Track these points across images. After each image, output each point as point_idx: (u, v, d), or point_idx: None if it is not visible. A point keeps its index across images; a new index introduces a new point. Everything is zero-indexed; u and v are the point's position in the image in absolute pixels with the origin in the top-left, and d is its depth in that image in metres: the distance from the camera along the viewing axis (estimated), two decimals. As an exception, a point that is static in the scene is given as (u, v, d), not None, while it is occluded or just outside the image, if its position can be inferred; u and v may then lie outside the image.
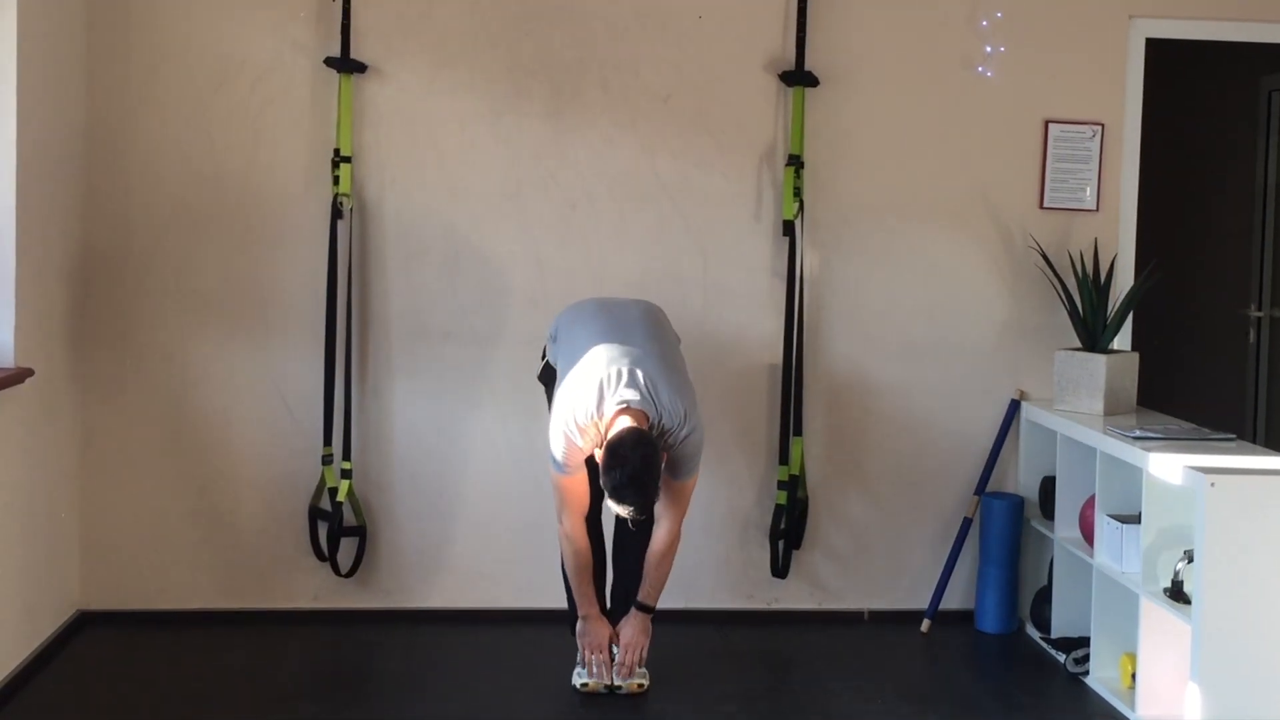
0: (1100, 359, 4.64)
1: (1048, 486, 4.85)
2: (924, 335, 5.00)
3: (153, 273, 4.73)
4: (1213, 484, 3.73)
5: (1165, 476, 3.95)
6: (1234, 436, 4.29)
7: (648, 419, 3.89)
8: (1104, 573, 4.31)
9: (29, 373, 4.13)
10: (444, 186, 4.82)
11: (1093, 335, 4.74)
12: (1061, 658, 4.57)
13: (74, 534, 4.72)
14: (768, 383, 4.94)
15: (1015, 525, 4.89)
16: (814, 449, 4.97)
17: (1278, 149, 6.28)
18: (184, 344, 4.75)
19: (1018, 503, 4.91)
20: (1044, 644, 4.75)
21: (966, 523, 4.98)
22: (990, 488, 5.00)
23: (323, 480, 4.76)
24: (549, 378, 4.27)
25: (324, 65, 4.71)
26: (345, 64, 4.70)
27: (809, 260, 4.92)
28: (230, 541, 4.82)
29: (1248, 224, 6.44)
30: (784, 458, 4.88)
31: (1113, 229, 5.03)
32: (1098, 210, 5.03)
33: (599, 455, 3.88)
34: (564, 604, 4.40)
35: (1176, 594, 3.91)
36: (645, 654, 4.22)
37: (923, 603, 4.98)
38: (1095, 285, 4.76)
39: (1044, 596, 4.84)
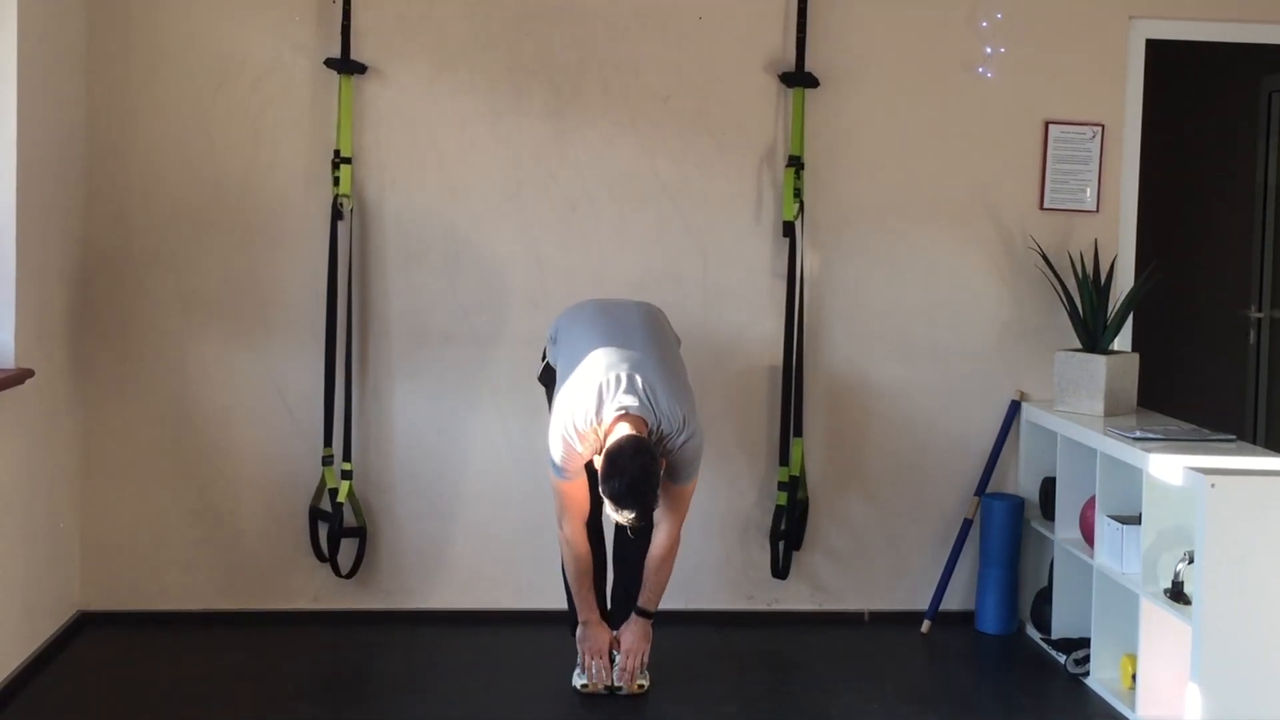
0: (1100, 360, 4.64)
1: (1048, 487, 4.85)
2: (924, 336, 5.00)
3: (153, 273, 4.73)
4: (1213, 485, 3.73)
5: (1165, 477, 3.95)
6: (1234, 437, 4.28)
7: (646, 425, 3.88)
8: (1104, 574, 4.31)
9: (29, 373, 4.13)
10: (444, 187, 4.82)
11: (1093, 336, 4.74)
12: (1062, 658, 4.57)
13: (74, 534, 4.72)
14: (768, 383, 4.94)
15: (1015, 526, 4.89)
16: (814, 450, 4.97)
17: (1278, 150, 6.28)
18: (184, 345, 4.75)
19: (1018, 504, 4.91)
20: (1044, 645, 4.75)
21: (967, 524, 4.97)
22: (990, 489, 4.99)
23: (323, 481, 4.76)
24: (549, 379, 4.27)
25: (324, 66, 4.71)
26: (345, 65, 4.70)
27: (809, 261, 4.92)
28: (230, 542, 4.82)
29: (1248, 225, 6.44)
30: (784, 459, 4.88)
31: (1113, 230, 5.03)
32: (1098, 211, 5.03)
33: (598, 462, 3.87)
34: (564, 605, 4.40)
35: (1177, 595, 3.91)
36: (647, 659, 4.22)
37: (923, 604, 4.98)
38: (1095, 286, 4.76)
39: (1044, 597, 4.84)
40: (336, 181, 4.69)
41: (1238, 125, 6.52)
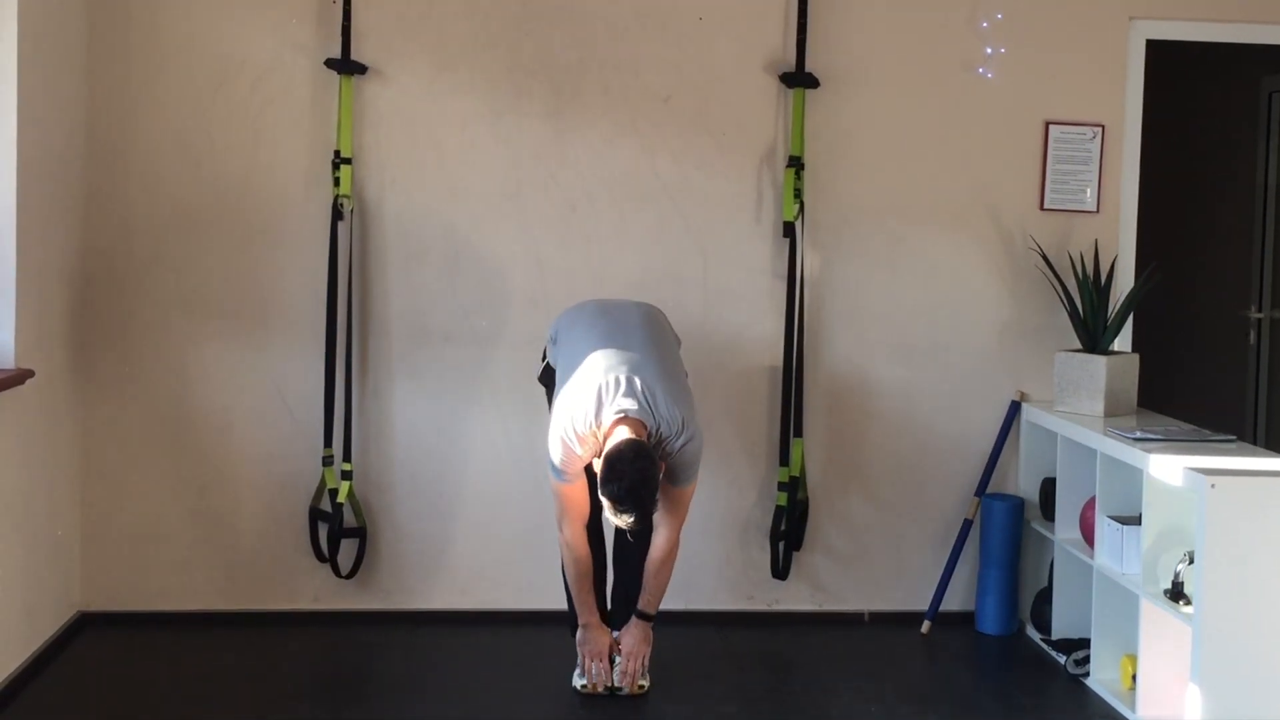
0: (1100, 360, 4.64)
1: (1048, 488, 4.84)
2: (924, 336, 5.00)
3: (153, 273, 4.73)
4: (1213, 485, 3.73)
5: (1165, 478, 3.95)
6: (1234, 438, 4.29)
7: (645, 428, 3.88)
8: (1104, 574, 4.31)
9: (29, 374, 4.13)
10: (444, 187, 4.82)
11: (1093, 337, 4.74)
12: (1062, 659, 4.57)
13: (74, 535, 4.71)
14: (768, 384, 4.94)
15: (1016, 527, 4.89)
16: (814, 450, 4.97)
17: (1278, 150, 6.28)
18: (184, 345, 4.75)
19: (1018, 504, 4.91)
20: (1044, 645, 4.75)
21: (967, 524, 4.97)
22: (991, 489, 4.99)
23: (323, 481, 4.76)
24: (549, 379, 4.27)
25: (324, 66, 4.71)
26: (345, 65, 4.70)
27: (809, 261, 4.92)
28: (230, 543, 4.82)
29: (1248, 225, 6.44)
30: (784, 459, 4.88)
31: (1113, 230, 5.03)
32: (1098, 212, 5.03)
33: (597, 465, 3.87)
34: (564, 605, 4.39)
35: (1177, 595, 3.91)
36: (648, 662, 4.22)
37: (923, 604, 4.98)
38: (1095, 287, 4.76)
39: (1044, 598, 4.84)
40: (337, 182, 4.69)
41: (1238, 125, 6.52)
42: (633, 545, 4.19)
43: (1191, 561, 3.84)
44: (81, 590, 4.76)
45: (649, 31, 4.84)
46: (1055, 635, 4.71)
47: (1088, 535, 4.51)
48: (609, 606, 4.38)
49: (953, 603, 5.00)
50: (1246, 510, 3.75)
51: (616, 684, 4.19)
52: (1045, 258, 4.91)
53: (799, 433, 4.89)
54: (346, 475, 4.74)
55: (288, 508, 4.81)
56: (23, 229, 4.13)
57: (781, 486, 4.87)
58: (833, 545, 5.01)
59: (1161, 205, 5.75)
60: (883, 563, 5.04)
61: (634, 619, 4.23)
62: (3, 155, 4.06)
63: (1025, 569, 4.96)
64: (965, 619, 4.99)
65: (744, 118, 4.89)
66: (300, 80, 4.74)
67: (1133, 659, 4.20)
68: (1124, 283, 4.97)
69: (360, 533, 4.78)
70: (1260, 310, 6.36)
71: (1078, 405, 4.69)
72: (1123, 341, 4.99)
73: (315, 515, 4.77)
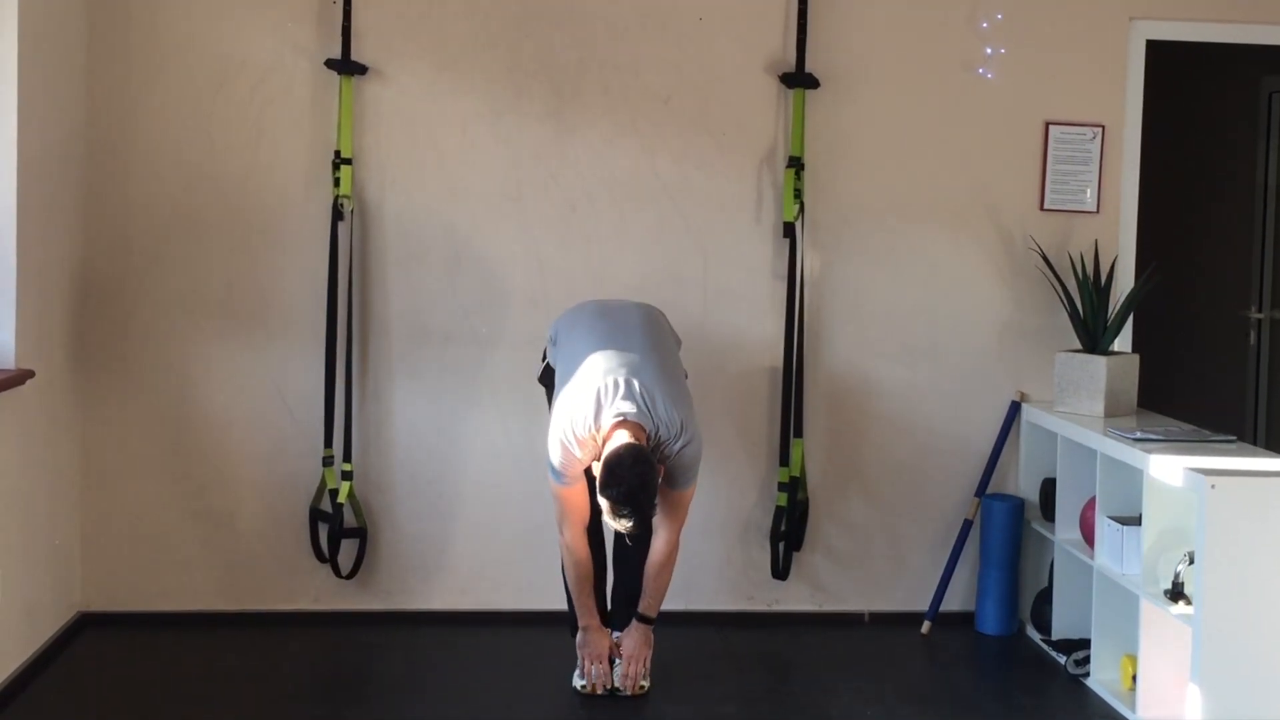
0: (1100, 361, 4.64)
1: (1048, 488, 4.84)
2: (924, 337, 5.00)
3: (153, 274, 4.73)
4: (1213, 486, 3.73)
5: (1166, 478, 3.95)
6: (1234, 438, 4.29)
7: (644, 431, 3.88)
8: (1104, 574, 4.31)
9: (29, 374, 4.13)
10: (444, 188, 4.82)
11: (1093, 337, 4.74)
12: (1062, 659, 4.57)
13: (74, 535, 4.71)
14: (768, 384, 4.94)
15: (1016, 527, 4.89)
16: (814, 451, 4.97)
17: (1278, 150, 6.28)
18: (185, 345, 4.75)
19: (1018, 504, 4.91)
20: (1044, 646, 4.75)
21: (967, 524, 4.97)
22: (991, 489, 4.99)
23: (323, 482, 4.76)
24: (549, 380, 4.26)
25: (325, 67, 4.71)
26: (346, 66, 4.70)
27: (809, 262, 4.92)
28: (231, 543, 4.82)
29: (1248, 226, 6.44)
30: (784, 459, 4.88)
31: (1113, 231, 5.03)
32: (1098, 212, 5.03)
33: (596, 468, 3.87)
34: (564, 606, 4.39)
35: (1177, 595, 3.90)
36: (649, 664, 4.22)
37: (923, 604, 4.98)
38: (1095, 287, 4.76)
39: (1044, 598, 4.84)
40: (337, 182, 4.69)
41: (1238, 125, 6.52)
42: (633, 548, 4.19)
43: (1191, 562, 3.84)
44: (81, 590, 4.76)
45: (649, 32, 4.85)
46: (1055, 635, 4.71)
47: (1088, 535, 4.51)
48: (609, 607, 4.38)
49: (953, 603, 5.00)
50: (1246, 510, 3.75)
51: (617, 684, 4.19)
52: (1045, 258, 4.91)
53: (799, 433, 4.89)
54: (347, 475, 4.74)
55: (288, 508, 4.81)
56: (23, 229, 4.13)
57: (781, 487, 4.87)
58: (833, 545, 5.01)
59: (1161, 205, 5.75)
60: (883, 563, 5.04)
61: (634, 622, 4.23)
62: (3, 155, 4.07)
63: (1025, 569, 4.96)
64: (965, 619, 4.99)
65: (744, 118, 4.89)
66: (300, 80, 4.74)
67: (1133, 659, 4.20)
68: (1124, 283, 4.97)
69: (360, 533, 4.78)
70: (1260, 310, 6.37)
71: (1078, 405, 4.69)
72: (1123, 342, 4.99)
73: (315, 515, 4.77)
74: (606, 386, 3.89)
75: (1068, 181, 5.00)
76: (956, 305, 5.00)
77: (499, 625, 4.83)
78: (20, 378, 4.06)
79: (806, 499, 4.91)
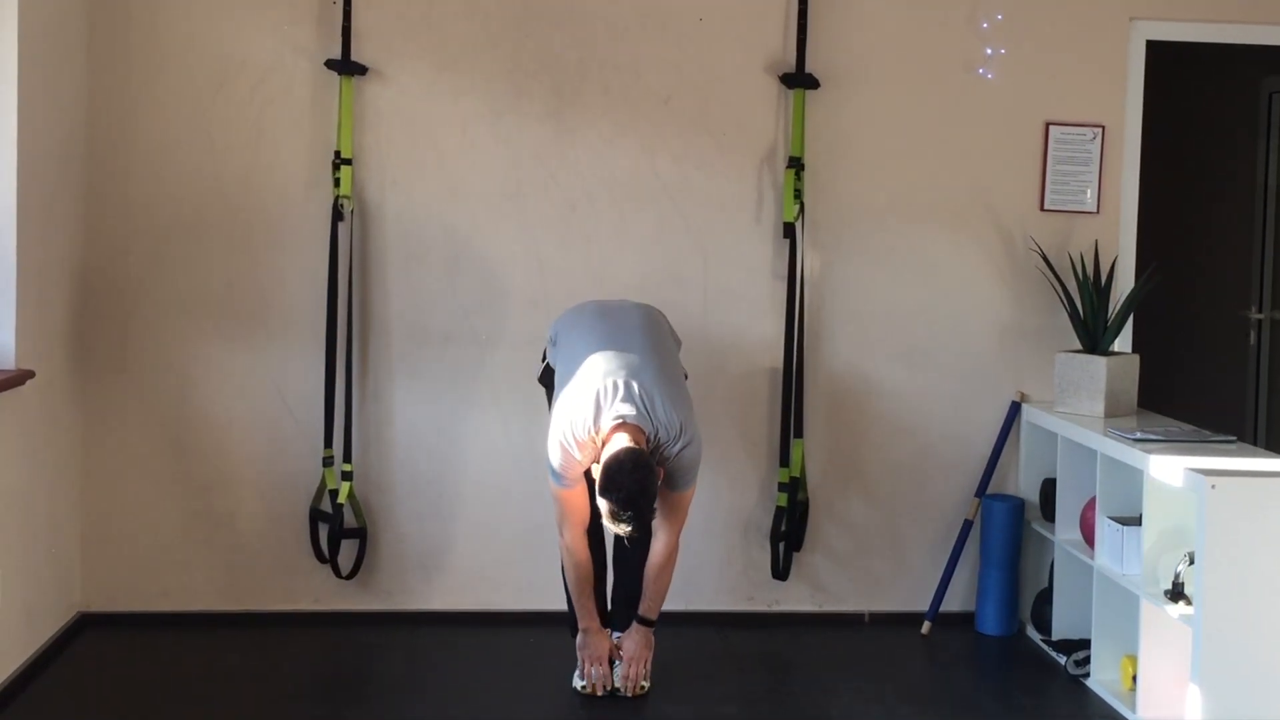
0: (1101, 361, 4.64)
1: (1048, 488, 4.84)
2: (924, 337, 5.00)
3: (153, 274, 4.73)
4: (1213, 486, 3.73)
5: (1166, 478, 3.95)
6: (1234, 438, 4.28)
7: (644, 433, 3.88)
8: (1105, 575, 4.31)
9: (30, 374, 4.13)
10: (444, 188, 4.82)
11: (1093, 337, 4.74)
12: (1062, 660, 4.57)
13: (75, 536, 4.71)
14: (768, 385, 4.94)
15: (1016, 527, 4.89)
16: (814, 451, 4.96)
17: (1278, 150, 6.28)
18: (185, 345, 4.75)
19: (1018, 505, 4.91)
20: (1045, 646, 4.75)
21: (967, 525, 4.97)
22: (991, 490, 4.99)
23: (323, 482, 4.76)
24: (549, 380, 4.26)
25: (325, 67, 4.71)
26: (346, 66, 4.70)
27: (809, 262, 4.92)
28: (231, 543, 4.82)
29: (1248, 226, 6.44)
30: (784, 460, 4.88)
31: (1113, 231, 5.03)
32: (1098, 212, 5.03)
33: (596, 470, 3.87)
34: (564, 606, 4.39)
35: (1177, 596, 3.90)
36: (649, 666, 4.22)
37: (923, 605, 4.98)
38: (1096, 287, 4.76)
39: (1045, 598, 4.84)
40: (337, 183, 4.69)
41: (1237, 126, 6.52)
42: (633, 548, 4.19)
43: (1191, 562, 3.84)
44: (81, 590, 4.76)
45: (649, 32, 4.85)
46: (1055, 636, 4.71)
47: (1088, 536, 4.51)
48: (609, 607, 4.38)
49: (953, 603, 5.00)
50: (1246, 511, 3.75)
51: (617, 685, 4.19)
52: (1045, 258, 4.91)
53: (799, 433, 4.89)
54: (347, 476, 4.74)
55: (288, 508, 4.81)
56: (23, 229, 4.13)
57: (782, 487, 4.87)
58: (833, 546, 5.01)
59: (1161, 205, 5.76)
60: (883, 563, 5.04)
61: (635, 625, 4.22)
62: (3, 155, 4.07)
63: (1025, 569, 4.96)
64: (965, 620, 4.99)
65: (744, 118, 4.89)
66: (300, 81, 4.74)
67: (1133, 659, 4.20)
68: (1124, 283, 4.97)
69: (360, 533, 4.78)
70: (1260, 310, 6.37)
71: (1078, 406, 4.69)
72: (1123, 342, 4.99)
73: (315, 516, 4.77)
74: (606, 388, 3.89)
75: (1068, 182, 5.00)
76: (956, 305, 5.00)
77: (499, 625, 4.83)
78: (20, 378, 4.06)
79: (807, 499, 4.91)
